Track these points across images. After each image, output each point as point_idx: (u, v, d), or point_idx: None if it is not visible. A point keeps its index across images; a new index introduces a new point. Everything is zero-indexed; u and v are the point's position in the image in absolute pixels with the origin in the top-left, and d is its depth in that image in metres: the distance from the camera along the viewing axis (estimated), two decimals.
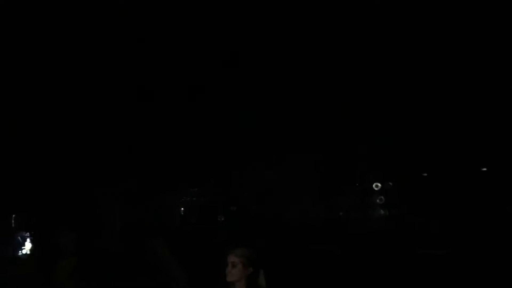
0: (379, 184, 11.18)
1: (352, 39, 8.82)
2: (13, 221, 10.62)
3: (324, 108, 10.57)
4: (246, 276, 2.98)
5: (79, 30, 8.16)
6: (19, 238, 9.37)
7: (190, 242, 11.95)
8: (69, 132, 10.05)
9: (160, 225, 12.13)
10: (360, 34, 8.73)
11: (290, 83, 9.83)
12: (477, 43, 8.58)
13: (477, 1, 7.97)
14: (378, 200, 11.16)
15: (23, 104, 9.28)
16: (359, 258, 9.72)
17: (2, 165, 9.65)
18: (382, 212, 11.13)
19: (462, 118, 10.30)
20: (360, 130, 11.08)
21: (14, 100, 9.08)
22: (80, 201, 11.33)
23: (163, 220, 12.61)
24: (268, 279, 3.09)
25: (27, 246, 9.63)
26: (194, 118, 11.30)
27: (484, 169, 11.07)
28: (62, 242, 4.69)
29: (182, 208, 13.72)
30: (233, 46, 9.18)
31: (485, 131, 10.29)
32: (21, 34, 7.96)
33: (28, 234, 9.86)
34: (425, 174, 11.85)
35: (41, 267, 4.89)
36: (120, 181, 12.04)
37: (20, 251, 8.96)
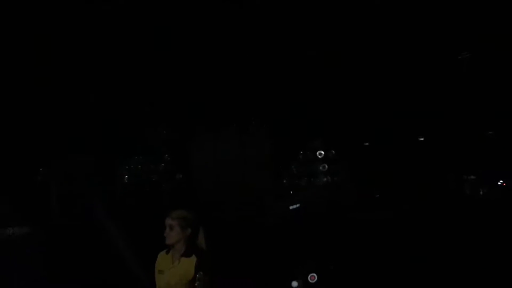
0: (323, 152, 11.45)
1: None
2: None
3: (270, 80, 10.66)
4: (185, 237, 2.96)
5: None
6: None
7: (133, 210, 11.81)
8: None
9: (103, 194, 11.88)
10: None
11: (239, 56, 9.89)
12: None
13: None
14: (321, 168, 11.46)
15: None
16: (300, 224, 9.97)
17: None
18: (324, 179, 11.45)
19: (400, 89, 10.68)
20: (305, 101, 11.24)
21: None
22: (16, 175, 10.93)
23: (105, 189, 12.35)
24: (208, 238, 3.09)
25: None
26: (142, 85, 11.08)
27: (422, 138, 11.62)
28: None
29: (126, 176, 13.47)
30: None
31: (423, 101, 10.74)
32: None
33: None
34: (367, 144, 12.31)
35: None
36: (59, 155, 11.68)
37: None
